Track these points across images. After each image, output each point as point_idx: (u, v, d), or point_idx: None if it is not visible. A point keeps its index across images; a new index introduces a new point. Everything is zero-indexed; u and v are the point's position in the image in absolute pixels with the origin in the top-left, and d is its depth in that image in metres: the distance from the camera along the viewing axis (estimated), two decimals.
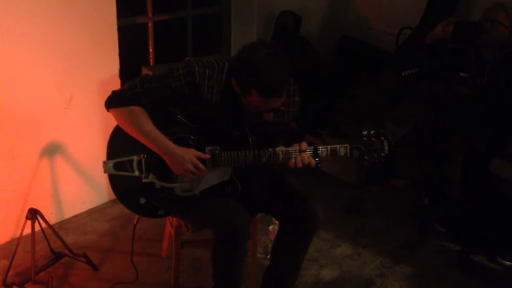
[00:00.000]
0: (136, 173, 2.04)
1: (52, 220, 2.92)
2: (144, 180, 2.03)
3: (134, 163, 2.04)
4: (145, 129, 1.97)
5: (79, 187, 3.08)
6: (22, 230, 2.47)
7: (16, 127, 2.68)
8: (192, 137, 2.04)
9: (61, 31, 2.70)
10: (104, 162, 2.06)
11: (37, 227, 2.47)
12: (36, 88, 2.71)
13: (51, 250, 2.66)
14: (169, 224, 2.53)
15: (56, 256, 2.65)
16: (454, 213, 3.18)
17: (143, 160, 2.04)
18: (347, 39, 4.50)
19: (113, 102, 2.00)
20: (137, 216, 2.25)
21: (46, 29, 2.64)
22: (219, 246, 2.09)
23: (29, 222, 2.44)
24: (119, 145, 2.07)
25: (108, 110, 2.02)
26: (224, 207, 2.06)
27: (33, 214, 2.44)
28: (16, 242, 2.51)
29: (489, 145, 2.96)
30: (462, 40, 3.05)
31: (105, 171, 2.07)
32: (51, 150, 2.88)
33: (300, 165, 2.02)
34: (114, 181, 2.10)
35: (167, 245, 2.74)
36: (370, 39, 4.38)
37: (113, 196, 3.19)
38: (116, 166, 2.05)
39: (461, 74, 3.15)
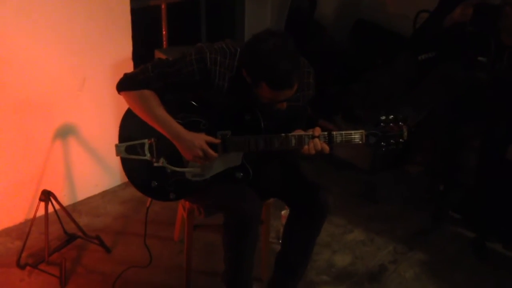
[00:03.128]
0: (148, 156, 2.03)
1: (65, 202, 2.93)
2: (155, 164, 2.02)
3: (146, 147, 2.03)
4: (155, 113, 1.95)
5: (92, 170, 3.08)
6: (36, 211, 2.48)
7: (29, 110, 2.69)
8: (203, 121, 2.02)
9: (75, 14, 2.69)
10: (116, 145, 2.07)
11: (50, 209, 2.48)
12: (50, 70, 2.70)
13: (64, 231, 2.68)
14: (182, 208, 2.53)
15: (69, 238, 2.67)
16: (469, 200, 3.14)
17: (154, 144, 2.03)
18: (363, 22, 4.43)
19: (124, 85, 1.99)
20: (149, 199, 2.25)
21: (60, 11, 2.63)
22: (229, 231, 2.08)
23: (42, 204, 2.45)
24: (131, 128, 2.07)
25: (119, 93, 2.02)
26: (234, 193, 2.05)
27: (46, 196, 2.45)
28: (30, 223, 2.53)
29: (507, 131, 2.91)
30: (481, 24, 2.98)
31: (117, 154, 2.07)
32: (64, 133, 2.88)
33: (313, 151, 1.97)
34: (126, 164, 2.11)
35: (179, 229, 2.74)
36: (386, 22, 4.31)
37: (126, 179, 3.21)
38: (128, 150, 2.05)
39: (479, 58, 3.09)
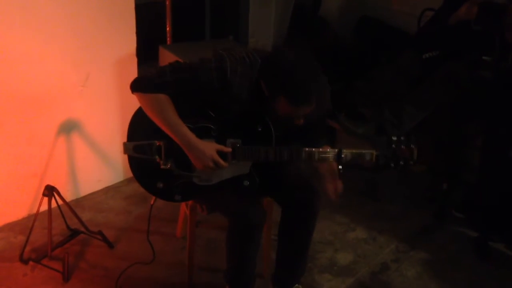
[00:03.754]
0: (155, 158, 2.02)
1: (68, 197, 2.94)
2: (162, 166, 2.00)
3: (154, 148, 2.01)
4: (168, 119, 1.92)
5: (95, 165, 3.09)
6: (39, 206, 2.49)
7: (33, 105, 2.69)
8: (214, 127, 2.00)
9: (79, 9, 2.69)
10: (124, 144, 2.05)
11: (53, 204, 2.49)
12: (54, 65, 2.70)
13: (68, 227, 2.69)
14: (184, 204, 2.53)
15: (73, 233, 2.67)
16: (472, 199, 3.14)
17: (162, 146, 2.01)
18: (367, 19, 4.42)
19: (139, 86, 1.94)
20: (154, 197, 2.24)
21: (64, 6, 2.63)
22: (233, 236, 2.09)
23: (45, 199, 2.45)
24: (140, 127, 2.04)
25: (132, 93, 1.97)
26: (240, 199, 2.04)
27: (50, 191, 2.45)
28: (33, 218, 2.54)
29: (510, 130, 2.90)
30: (486, 22, 2.96)
31: (124, 152, 2.06)
32: (68, 128, 2.88)
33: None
34: (133, 162, 2.09)
35: (181, 225, 2.74)
36: (391, 20, 4.30)
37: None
38: (136, 149, 2.03)
39: (484, 57, 3.08)
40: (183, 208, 2.61)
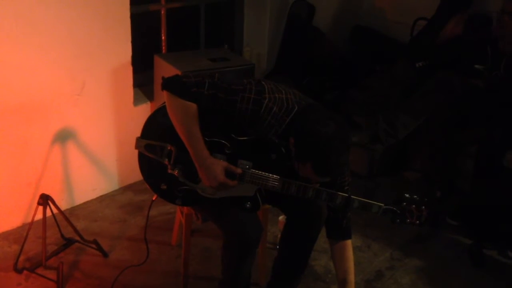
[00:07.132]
0: (165, 161, 2.00)
1: (63, 206, 2.93)
2: (169, 171, 1.98)
3: (165, 151, 1.99)
4: (191, 130, 1.89)
5: (90, 174, 3.09)
6: (34, 215, 2.48)
7: (28, 113, 2.69)
8: (229, 145, 1.97)
9: (74, 18, 2.70)
10: (137, 139, 2.02)
11: (48, 213, 2.48)
12: (49, 74, 2.71)
13: (62, 236, 2.68)
14: (180, 213, 2.54)
15: (67, 242, 2.67)
16: (466, 206, 3.15)
17: (173, 152, 1.98)
18: (361, 29, 4.46)
19: (173, 87, 1.87)
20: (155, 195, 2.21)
21: (59, 15, 2.64)
22: (229, 252, 2.08)
23: (40, 208, 2.45)
24: (156, 126, 2.02)
25: (162, 90, 1.90)
26: (239, 217, 2.03)
27: (44, 200, 2.45)
28: (27, 227, 2.53)
29: (503, 138, 2.92)
30: (475, 33, 3.00)
31: (136, 147, 2.04)
32: (63, 137, 2.88)
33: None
34: (142, 158, 2.07)
35: (177, 233, 2.74)
36: (384, 29, 4.33)
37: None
38: (147, 147, 2.01)
39: (476, 66, 3.11)
40: (179, 216, 2.62)
